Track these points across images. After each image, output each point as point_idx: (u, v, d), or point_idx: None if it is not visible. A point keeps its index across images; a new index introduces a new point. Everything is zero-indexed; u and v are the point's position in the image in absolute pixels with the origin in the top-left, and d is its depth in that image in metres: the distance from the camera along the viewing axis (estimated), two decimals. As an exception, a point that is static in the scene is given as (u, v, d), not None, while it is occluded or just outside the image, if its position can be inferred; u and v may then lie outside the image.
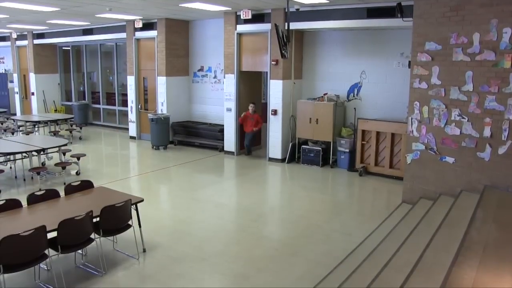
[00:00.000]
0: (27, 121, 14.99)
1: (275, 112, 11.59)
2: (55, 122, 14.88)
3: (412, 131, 7.82)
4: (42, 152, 9.85)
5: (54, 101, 18.83)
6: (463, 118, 7.15)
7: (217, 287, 5.39)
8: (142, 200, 6.16)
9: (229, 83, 12.41)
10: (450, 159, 7.41)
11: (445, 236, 5.40)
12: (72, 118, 15.84)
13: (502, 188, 6.90)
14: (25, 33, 18.35)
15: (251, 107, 11.92)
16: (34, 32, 18.07)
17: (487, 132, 6.94)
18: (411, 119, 7.81)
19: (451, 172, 7.44)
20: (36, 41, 18.20)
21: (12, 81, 20.28)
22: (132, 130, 14.89)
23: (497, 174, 6.94)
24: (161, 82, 13.77)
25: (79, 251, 5.85)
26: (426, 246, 5.07)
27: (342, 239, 6.66)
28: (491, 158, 6.96)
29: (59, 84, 19.11)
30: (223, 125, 12.80)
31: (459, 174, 7.36)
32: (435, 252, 4.94)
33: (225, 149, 12.79)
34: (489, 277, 4.32)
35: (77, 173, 10.14)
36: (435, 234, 5.44)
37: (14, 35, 18.74)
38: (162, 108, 13.86)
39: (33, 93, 18.62)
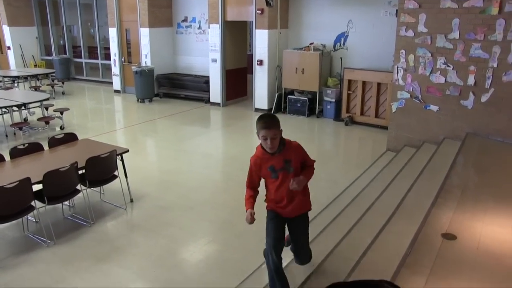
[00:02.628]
0: (5, 77, 14.35)
1: (261, 63, 11.49)
2: (36, 77, 14.37)
3: (398, 79, 7.82)
4: (23, 107, 9.62)
5: (33, 56, 18.24)
6: (448, 66, 7.16)
7: (204, 233, 5.49)
8: (127, 151, 6.16)
9: (214, 33, 12.19)
10: (434, 107, 7.47)
11: (427, 180, 5.53)
12: (53, 73, 15.38)
13: (483, 135, 7.02)
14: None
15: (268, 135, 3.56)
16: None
17: (471, 80, 6.97)
18: (397, 67, 7.79)
19: (435, 120, 7.51)
20: (6, -10, 17.07)
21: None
22: (116, 83, 14.67)
23: (479, 122, 7.03)
24: (144, 34, 13.47)
25: (67, 203, 5.90)
26: (407, 190, 5.20)
27: (328, 186, 6.78)
28: (474, 106, 7.03)
29: (37, 37, 18.40)
30: (208, 77, 12.67)
31: (443, 122, 7.44)
32: (416, 195, 5.08)
33: (211, 100, 12.73)
34: (465, 217, 4.47)
35: (61, 128, 10.06)
36: (417, 179, 5.57)
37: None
38: (146, 60, 13.64)
39: (9, 47, 17.85)
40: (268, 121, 3.35)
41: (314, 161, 3.67)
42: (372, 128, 10.21)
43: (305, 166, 3.61)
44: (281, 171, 3.48)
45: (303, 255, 3.85)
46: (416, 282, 3.35)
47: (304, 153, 3.58)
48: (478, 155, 6.38)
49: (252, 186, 3.65)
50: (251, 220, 3.44)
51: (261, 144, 3.45)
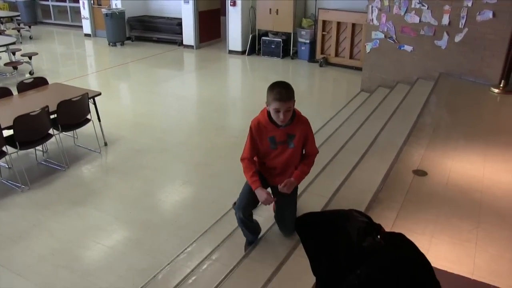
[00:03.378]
0: (-36, 20, 13.52)
1: (234, 3, 11.18)
2: (-1, 20, 13.70)
3: (372, 19, 7.74)
4: (-13, 52, 9.23)
5: (-7, -3, 17.32)
6: (423, 5, 7.09)
7: (180, 174, 5.52)
8: (100, 94, 6.05)
9: (186, -28, 11.78)
10: (408, 48, 7.46)
11: (399, 120, 5.61)
12: (19, 16, 14.72)
13: (456, 75, 7.09)
14: None
15: (282, 107, 3.07)
16: None
17: (445, 20, 6.94)
18: (372, 7, 7.69)
19: (409, 60, 7.53)
20: None
21: None
22: (86, 27, 14.12)
23: (452, 62, 7.08)
24: (113, -27, 12.92)
25: (40, 148, 5.82)
26: (380, 129, 5.28)
27: (302, 127, 6.82)
28: (448, 46, 7.04)
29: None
30: (181, 19, 12.34)
31: (416, 62, 7.47)
32: (389, 134, 5.16)
33: (184, 43, 12.47)
34: (436, 154, 4.58)
35: (31, 73, 9.72)
36: (390, 119, 5.65)
37: None
38: (116, 2, 13.11)
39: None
40: (283, 91, 2.89)
41: (318, 152, 3.32)
42: (346, 69, 10.20)
43: (305, 155, 3.26)
44: (281, 144, 3.14)
45: (285, 228, 3.48)
46: (387, 216, 3.46)
47: (310, 133, 3.20)
48: (450, 95, 6.46)
49: (251, 157, 3.18)
50: (272, 199, 3.11)
51: (268, 111, 3.04)
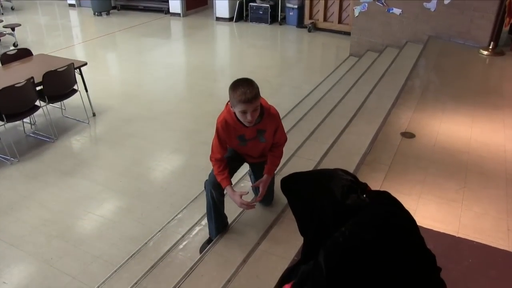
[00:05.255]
0: None
1: (220, -31, 10.99)
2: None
3: (360, -18, 7.64)
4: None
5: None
6: (412, -34, 7.01)
7: (169, 142, 5.51)
8: (86, 64, 5.96)
9: None
10: (397, 11, 7.39)
11: (388, 83, 5.61)
12: (-2, -15, 14.36)
13: (445, 38, 7.05)
14: None
15: (249, 109, 2.72)
16: None
17: (434, -20, 6.87)
18: (360, -31, 7.58)
19: (398, 23, 7.47)
20: None
21: None
22: (70, -4, 13.84)
23: (441, 25, 7.03)
24: None
25: (27, 120, 5.76)
26: (369, 93, 5.28)
27: (291, 92, 6.80)
28: (437, 8, 6.98)
29: None
30: (167, -14, 12.11)
31: (405, 26, 7.41)
32: (377, 97, 5.16)
33: (170, 11, 12.24)
34: (424, 116, 4.61)
35: (15, 45, 9.52)
36: (378, 82, 5.64)
37: None
38: (99, -31, 12.81)
39: None
40: (247, 91, 2.55)
41: (286, 139, 3.10)
42: (335, 34, 10.10)
43: (274, 144, 3.02)
44: (251, 141, 2.92)
45: (265, 200, 3.31)
46: (374, 178, 3.50)
47: (279, 124, 2.95)
48: (439, 57, 6.45)
49: (222, 158, 2.92)
50: (247, 204, 2.91)
51: (234, 112, 2.72)
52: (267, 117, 2.83)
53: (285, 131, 3.09)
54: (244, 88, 2.57)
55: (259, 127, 2.84)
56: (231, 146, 3.04)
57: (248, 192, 3.08)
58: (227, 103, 2.79)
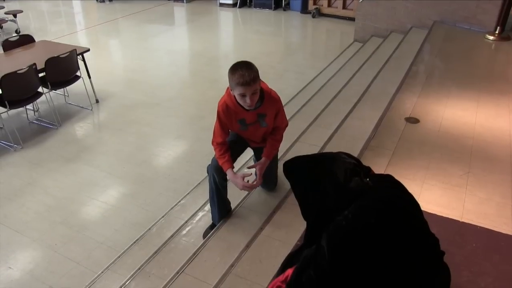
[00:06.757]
0: None
1: (223, -46, 10.89)
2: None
3: (365, -34, 7.55)
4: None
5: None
6: (417, -51, 6.91)
7: (172, 128, 5.50)
8: (88, 50, 5.94)
9: None
10: (402, -5, 7.32)
11: (392, 68, 5.56)
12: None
13: (450, 23, 6.97)
14: None
15: (248, 92, 2.70)
16: None
17: (440, -36, 6.78)
18: (364, -47, 7.48)
19: (403, 8, 7.38)
20: None
21: None
22: (73, -18, 13.75)
23: (446, 9, 6.94)
24: None
25: (30, 107, 5.76)
26: (373, 78, 5.23)
27: (295, 77, 6.76)
28: (442, -8, 6.90)
29: None
30: (170, -29, 12.02)
31: (410, 11, 7.32)
32: (382, 82, 5.12)
33: (174, -4, 12.19)
34: (429, 101, 4.57)
35: (17, 32, 9.48)
36: (383, 67, 5.60)
37: None
38: (102, -45, 12.70)
39: None
40: (246, 74, 2.54)
41: (287, 124, 3.08)
42: (339, 19, 10.01)
43: (275, 128, 3.00)
44: (252, 125, 2.91)
45: (267, 185, 3.34)
46: (378, 163, 3.48)
47: (280, 108, 2.93)
48: (444, 43, 6.37)
49: (223, 142, 2.91)
50: (250, 185, 2.87)
51: (234, 96, 2.71)
52: (267, 101, 2.82)
53: (289, 117, 3.08)
54: (243, 71, 2.56)
55: (259, 111, 2.83)
56: (233, 130, 3.03)
57: (251, 174, 3.06)
58: (228, 87, 2.78)
